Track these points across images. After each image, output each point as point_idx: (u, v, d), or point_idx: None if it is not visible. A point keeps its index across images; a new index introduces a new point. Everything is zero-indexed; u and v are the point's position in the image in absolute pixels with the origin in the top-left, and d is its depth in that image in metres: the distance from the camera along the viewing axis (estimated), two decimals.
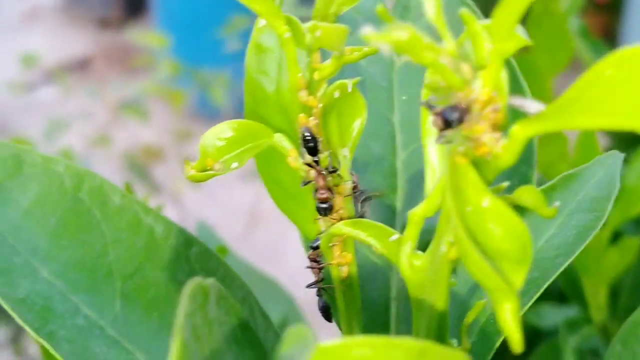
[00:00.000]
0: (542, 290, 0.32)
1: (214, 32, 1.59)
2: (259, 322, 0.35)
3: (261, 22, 0.30)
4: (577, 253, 0.32)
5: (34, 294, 0.32)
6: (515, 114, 0.23)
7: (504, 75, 0.22)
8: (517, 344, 0.21)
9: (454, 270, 0.26)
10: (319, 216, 0.31)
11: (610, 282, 0.62)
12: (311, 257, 0.32)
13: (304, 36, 0.28)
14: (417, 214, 0.27)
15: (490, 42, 0.22)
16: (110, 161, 1.85)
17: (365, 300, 0.34)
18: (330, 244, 0.31)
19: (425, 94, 0.25)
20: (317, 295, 0.33)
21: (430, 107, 0.23)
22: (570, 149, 0.62)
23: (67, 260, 0.33)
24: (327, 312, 0.33)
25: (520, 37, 0.22)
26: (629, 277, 0.65)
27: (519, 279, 0.22)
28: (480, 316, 0.33)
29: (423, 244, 0.27)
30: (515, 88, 0.36)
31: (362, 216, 0.32)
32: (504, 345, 0.27)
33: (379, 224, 0.29)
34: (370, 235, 0.29)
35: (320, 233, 0.31)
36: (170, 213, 1.66)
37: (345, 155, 0.30)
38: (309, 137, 0.29)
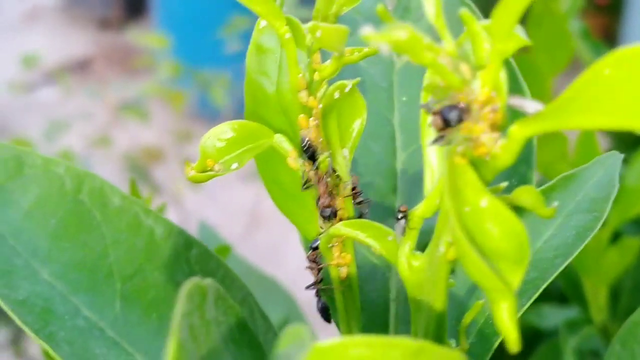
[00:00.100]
0: (540, 290, 0.32)
1: (214, 32, 1.59)
2: (259, 323, 0.35)
3: (262, 23, 0.30)
4: (576, 254, 0.32)
5: (34, 295, 0.32)
6: (515, 114, 0.23)
7: (503, 76, 0.22)
8: (514, 344, 0.21)
9: (452, 271, 0.26)
10: (323, 221, 0.31)
11: (611, 282, 0.62)
12: (310, 257, 0.32)
13: (304, 37, 0.28)
14: (416, 214, 0.27)
15: (489, 43, 0.22)
16: (110, 162, 1.85)
17: (364, 300, 0.34)
18: (330, 245, 0.31)
19: (424, 97, 0.25)
20: (316, 296, 0.33)
21: (429, 109, 0.23)
22: (570, 149, 0.62)
23: (68, 261, 0.33)
24: (326, 313, 0.33)
25: (520, 37, 0.22)
26: (629, 277, 0.65)
27: (516, 279, 0.22)
28: (478, 317, 0.33)
29: (422, 245, 0.27)
30: (515, 88, 0.36)
31: (361, 217, 0.32)
32: (503, 346, 0.27)
33: (378, 224, 0.29)
34: (370, 235, 0.29)
35: (320, 234, 0.31)
36: (171, 214, 1.66)
37: (345, 155, 0.30)
38: (308, 145, 0.29)
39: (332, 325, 0.34)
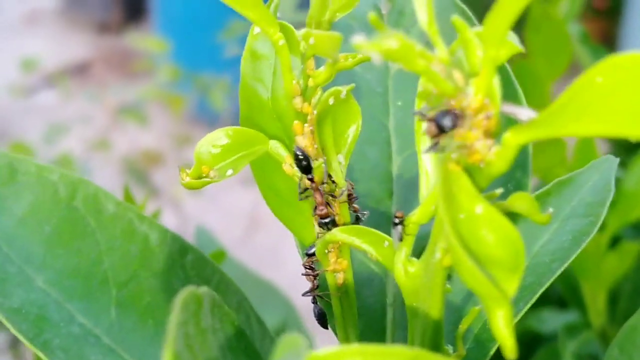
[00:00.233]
0: (537, 295, 0.32)
1: (213, 36, 1.59)
2: (255, 329, 0.35)
3: (256, 29, 0.30)
4: (572, 258, 0.32)
5: (28, 302, 0.32)
6: (510, 120, 0.23)
7: (496, 82, 0.22)
8: (510, 351, 0.21)
9: (449, 277, 0.26)
10: (321, 230, 0.30)
11: (610, 287, 0.62)
12: (307, 264, 0.32)
13: (298, 43, 0.28)
14: (412, 220, 0.27)
15: (481, 50, 0.22)
16: (109, 165, 1.85)
17: (361, 306, 0.34)
18: (326, 251, 0.31)
19: (418, 103, 0.25)
20: (313, 303, 0.33)
21: (423, 116, 0.23)
22: (569, 154, 0.62)
23: (62, 268, 0.33)
24: (323, 320, 0.33)
25: (512, 44, 0.22)
26: (628, 282, 0.65)
27: (512, 286, 0.22)
28: (475, 322, 0.33)
29: (418, 250, 0.27)
30: (510, 93, 0.36)
31: (357, 222, 0.31)
32: (500, 352, 0.27)
33: (375, 230, 0.29)
34: (366, 241, 0.29)
35: (316, 240, 0.31)
36: (170, 218, 1.66)
37: (340, 161, 0.30)
38: (302, 157, 0.29)
39: (330, 331, 0.34)
